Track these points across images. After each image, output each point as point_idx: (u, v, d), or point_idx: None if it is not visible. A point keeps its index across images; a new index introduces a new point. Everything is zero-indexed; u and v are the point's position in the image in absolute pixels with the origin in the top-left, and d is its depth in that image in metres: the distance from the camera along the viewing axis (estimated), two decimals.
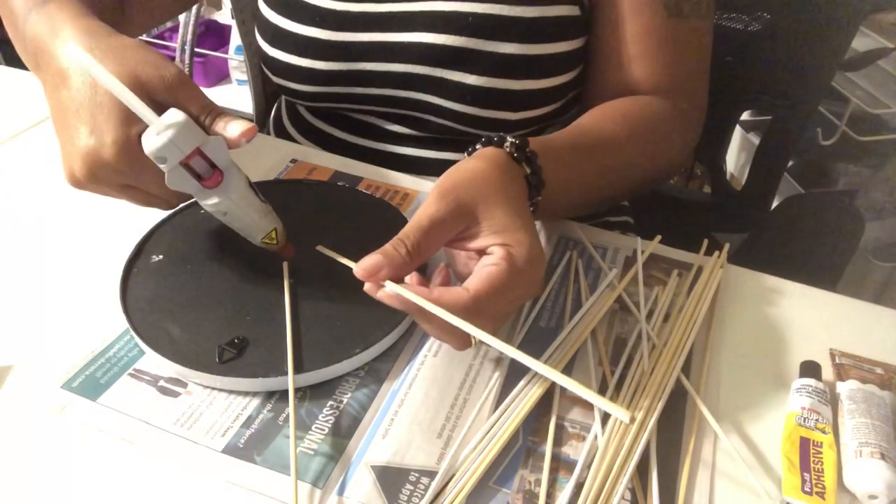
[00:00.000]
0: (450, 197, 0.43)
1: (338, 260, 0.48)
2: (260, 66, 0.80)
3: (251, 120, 0.99)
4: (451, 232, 0.43)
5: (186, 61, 1.74)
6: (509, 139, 0.49)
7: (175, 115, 0.43)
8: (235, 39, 2.02)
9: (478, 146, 0.50)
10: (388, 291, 0.41)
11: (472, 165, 0.46)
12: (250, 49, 0.97)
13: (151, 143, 0.43)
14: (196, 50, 1.83)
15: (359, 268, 0.41)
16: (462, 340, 0.43)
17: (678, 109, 0.64)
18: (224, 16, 2.06)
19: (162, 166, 0.44)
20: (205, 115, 0.46)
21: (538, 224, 0.61)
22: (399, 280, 0.42)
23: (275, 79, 0.72)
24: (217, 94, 2.19)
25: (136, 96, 0.43)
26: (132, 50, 0.46)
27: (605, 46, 0.66)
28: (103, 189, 0.47)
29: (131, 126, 0.44)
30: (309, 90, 0.70)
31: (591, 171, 0.57)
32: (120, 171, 0.45)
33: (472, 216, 0.43)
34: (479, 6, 0.62)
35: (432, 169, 0.71)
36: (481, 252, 0.44)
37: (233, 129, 0.46)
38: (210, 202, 0.46)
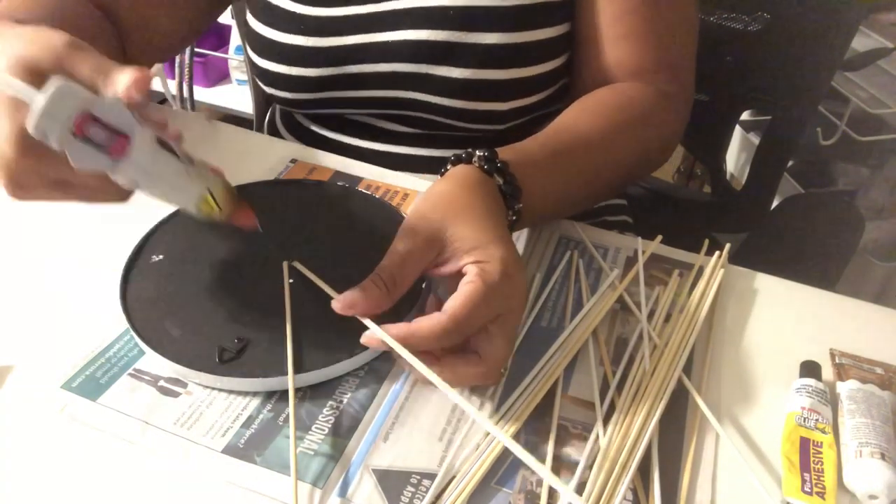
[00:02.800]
0: (418, 227, 0.44)
1: (315, 282, 0.48)
2: None
3: (252, 122, 0.99)
4: (425, 261, 0.44)
5: (186, 61, 1.74)
6: (478, 153, 0.49)
7: (50, 83, 0.37)
8: (235, 39, 2.02)
9: (448, 166, 0.50)
10: (370, 335, 0.42)
11: (438, 189, 0.47)
12: None
13: (28, 120, 0.37)
14: (196, 50, 1.83)
15: (337, 302, 0.43)
16: (476, 377, 0.43)
17: (662, 92, 0.64)
18: (224, 16, 2.06)
19: (52, 144, 0.37)
20: (99, 76, 0.40)
21: (538, 228, 0.61)
22: (380, 314, 0.43)
23: (267, 89, 0.72)
24: (217, 94, 2.19)
25: (14, 75, 0.38)
26: (28, 32, 0.41)
27: (586, 30, 0.65)
28: (35, 193, 0.43)
29: (21, 113, 0.38)
30: (300, 98, 0.70)
31: (572, 168, 0.56)
32: (31, 167, 0.41)
33: (441, 241, 0.44)
34: None
35: (429, 166, 0.71)
36: (459, 274, 0.44)
37: (120, 81, 0.39)
38: (116, 177, 0.40)
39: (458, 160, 0.50)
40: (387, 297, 0.43)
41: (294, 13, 0.66)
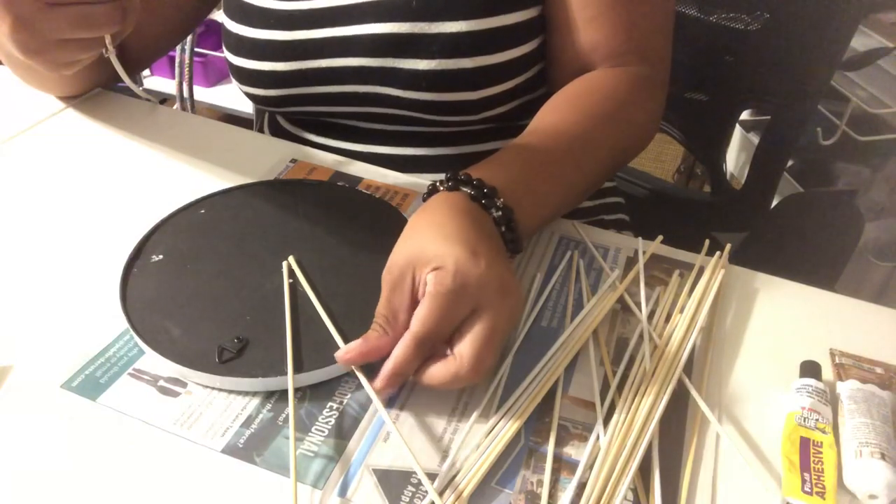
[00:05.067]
0: (391, 266, 0.45)
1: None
2: None
3: (251, 122, 1.00)
4: (406, 291, 0.44)
5: (186, 61, 1.74)
6: (440, 178, 0.50)
7: None
8: None
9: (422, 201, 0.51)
10: (375, 385, 0.44)
11: (407, 224, 0.48)
12: None
13: None
14: (196, 50, 1.83)
15: (338, 354, 0.45)
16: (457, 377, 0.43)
17: (637, 76, 0.63)
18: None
19: None
20: None
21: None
22: (386, 353, 0.44)
23: (242, 87, 0.73)
24: (217, 94, 2.19)
25: None
26: None
27: (556, 13, 0.65)
28: (39, 33, 0.50)
29: None
30: (273, 94, 0.70)
31: (550, 167, 0.55)
32: None
33: (411, 266, 0.44)
34: None
35: (414, 165, 0.70)
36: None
37: None
38: None
39: (429, 193, 0.51)
40: (386, 336, 0.44)
41: (263, 8, 0.67)
